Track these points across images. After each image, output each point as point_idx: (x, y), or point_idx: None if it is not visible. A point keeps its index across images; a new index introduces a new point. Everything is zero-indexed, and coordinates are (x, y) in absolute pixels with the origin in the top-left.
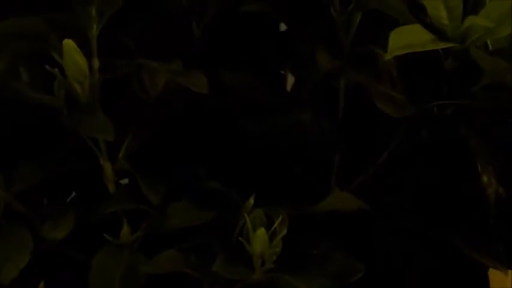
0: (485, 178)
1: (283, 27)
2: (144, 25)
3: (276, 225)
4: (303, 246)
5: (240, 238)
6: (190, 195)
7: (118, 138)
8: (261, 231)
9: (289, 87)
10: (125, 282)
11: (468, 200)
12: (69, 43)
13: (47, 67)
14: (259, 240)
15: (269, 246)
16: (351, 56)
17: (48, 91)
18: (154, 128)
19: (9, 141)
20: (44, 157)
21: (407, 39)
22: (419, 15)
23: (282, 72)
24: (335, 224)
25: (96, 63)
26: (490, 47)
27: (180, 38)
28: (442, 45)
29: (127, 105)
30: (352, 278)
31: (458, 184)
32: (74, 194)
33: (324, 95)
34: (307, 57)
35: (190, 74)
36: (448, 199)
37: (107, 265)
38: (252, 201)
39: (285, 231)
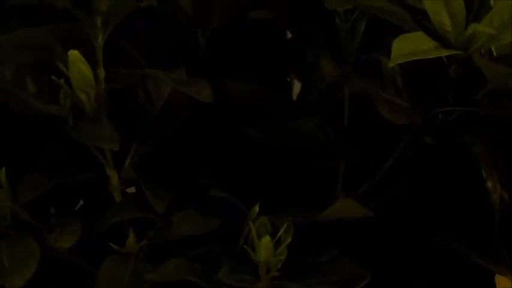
0: (489, 184)
1: (289, 34)
2: (149, 34)
3: (280, 233)
4: (308, 254)
5: (245, 246)
6: (195, 204)
7: (124, 147)
8: (266, 239)
9: (296, 94)
10: None
11: (473, 206)
12: (74, 53)
13: (53, 77)
14: (264, 248)
15: (274, 254)
16: (356, 63)
17: (55, 101)
18: (159, 136)
19: (16, 152)
20: (51, 167)
21: (410, 46)
22: (423, 22)
23: (288, 79)
24: (340, 231)
25: (101, 73)
26: (495, 53)
27: (185, 47)
28: (445, 53)
29: (132, 115)
30: (358, 285)
31: (463, 190)
32: (81, 202)
33: (329, 102)
34: (312, 64)
35: (195, 83)
36: (453, 205)
37: (113, 273)
38: (257, 209)
39: (289, 239)
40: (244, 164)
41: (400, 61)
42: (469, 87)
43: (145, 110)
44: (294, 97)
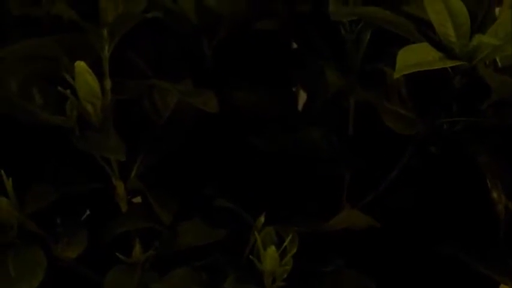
0: (494, 194)
1: (295, 44)
2: (155, 45)
3: (286, 243)
4: (313, 264)
5: (250, 256)
6: (201, 214)
7: (130, 158)
8: (272, 250)
9: (302, 103)
10: None
11: (478, 215)
12: (81, 64)
13: (60, 88)
14: (269, 259)
15: (280, 264)
16: (360, 74)
17: (61, 112)
18: (165, 147)
19: (23, 162)
20: (57, 177)
21: (415, 57)
22: (428, 33)
23: (294, 89)
24: (346, 241)
25: (108, 84)
26: (499, 63)
27: (191, 57)
28: (450, 64)
29: (139, 125)
30: None
31: (468, 200)
32: (88, 212)
33: (334, 112)
34: (317, 74)
35: (201, 93)
36: (458, 215)
37: (119, 283)
38: (262, 219)
39: (295, 249)
40: (249, 173)
41: (405, 72)
42: (473, 97)
43: (152, 121)
44: (300, 107)
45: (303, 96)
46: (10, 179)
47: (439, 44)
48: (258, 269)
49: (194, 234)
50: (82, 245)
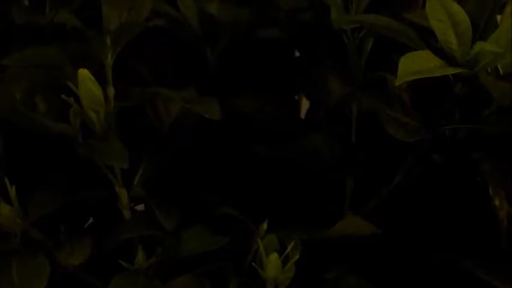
0: (497, 201)
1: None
2: (158, 52)
3: (288, 250)
4: (316, 271)
5: (253, 263)
6: (204, 221)
7: (133, 165)
8: (274, 256)
9: (304, 111)
10: None
11: (480, 222)
12: (84, 72)
13: (63, 96)
14: (272, 266)
15: (282, 272)
16: (363, 81)
17: (64, 120)
18: (168, 154)
19: (26, 169)
20: (60, 185)
21: (416, 65)
22: (430, 40)
23: (296, 97)
24: (348, 248)
25: (111, 91)
26: (501, 71)
27: (194, 66)
28: (451, 71)
29: (142, 133)
30: None
31: (470, 207)
32: (91, 220)
33: (337, 120)
34: (320, 82)
35: (204, 101)
36: (460, 222)
37: None
38: (265, 226)
39: (297, 256)
40: (251, 180)
41: (407, 79)
42: (475, 104)
43: (154, 128)
44: (302, 114)
45: (305, 104)
46: (13, 186)
47: (440, 52)
48: (261, 276)
49: (197, 241)
50: (85, 252)
